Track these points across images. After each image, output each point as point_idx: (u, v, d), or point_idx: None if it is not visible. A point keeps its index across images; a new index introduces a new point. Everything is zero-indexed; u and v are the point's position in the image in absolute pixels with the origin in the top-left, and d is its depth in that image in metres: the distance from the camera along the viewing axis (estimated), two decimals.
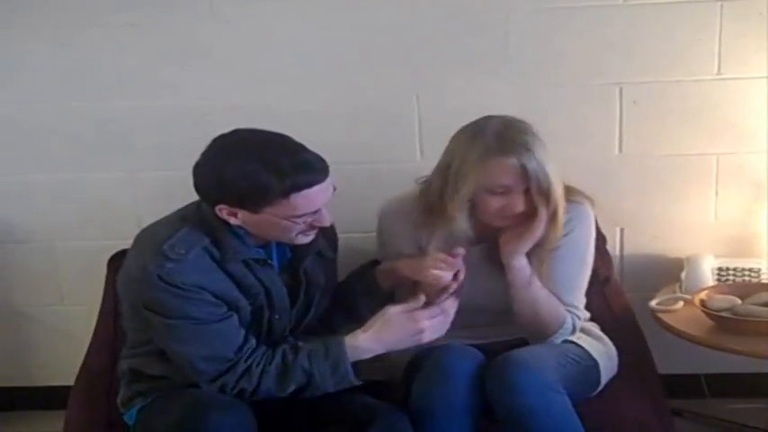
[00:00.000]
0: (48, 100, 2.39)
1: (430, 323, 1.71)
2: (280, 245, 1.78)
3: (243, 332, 1.71)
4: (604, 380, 1.93)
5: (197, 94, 2.34)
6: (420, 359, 1.83)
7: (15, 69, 2.38)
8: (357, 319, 1.81)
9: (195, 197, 1.72)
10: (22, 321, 2.63)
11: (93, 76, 2.36)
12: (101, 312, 2.23)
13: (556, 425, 1.69)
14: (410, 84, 2.32)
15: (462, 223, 1.81)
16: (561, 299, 1.88)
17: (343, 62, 2.32)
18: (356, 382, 1.71)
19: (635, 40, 2.25)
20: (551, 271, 1.87)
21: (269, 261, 1.74)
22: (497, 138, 1.75)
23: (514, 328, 1.91)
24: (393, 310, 1.72)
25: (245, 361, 1.69)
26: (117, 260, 2.20)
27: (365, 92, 2.33)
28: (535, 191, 1.76)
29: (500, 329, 1.93)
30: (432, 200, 1.86)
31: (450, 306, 1.75)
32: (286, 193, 1.60)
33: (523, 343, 1.89)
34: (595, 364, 1.90)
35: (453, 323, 1.76)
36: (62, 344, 2.57)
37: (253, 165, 1.59)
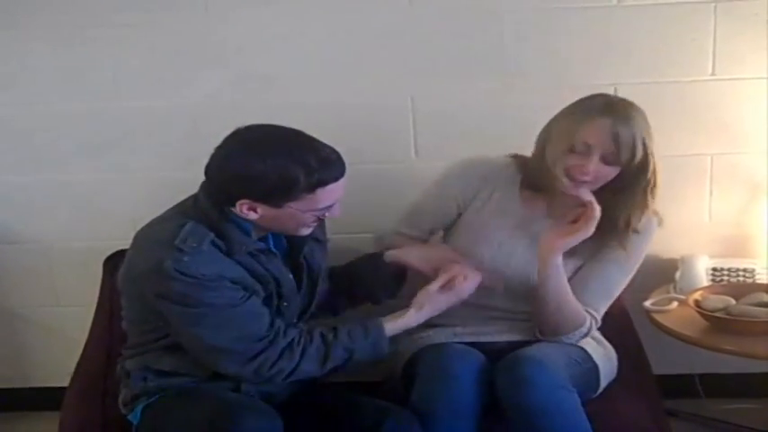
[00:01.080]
0: (47, 100, 2.38)
1: (469, 286, 1.81)
2: (275, 235, 1.78)
3: (268, 311, 1.71)
4: (603, 383, 1.93)
5: (197, 94, 2.34)
6: (419, 359, 1.85)
7: (16, 70, 2.37)
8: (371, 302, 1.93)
9: None
10: (17, 322, 2.62)
11: (93, 77, 2.35)
12: (96, 313, 2.22)
13: (566, 422, 1.69)
14: (405, 85, 2.32)
15: (561, 176, 1.78)
16: (592, 300, 1.88)
17: (340, 63, 2.32)
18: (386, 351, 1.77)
19: (629, 40, 2.26)
20: (602, 269, 1.88)
21: (272, 250, 1.74)
22: (605, 103, 1.79)
23: (519, 326, 1.93)
24: (433, 289, 1.80)
25: (284, 337, 1.69)
26: (113, 261, 2.20)
27: (361, 93, 2.33)
28: (625, 160, 1.76)
29: (505, 326, 1.94)
30: (530, 167, 1.89)
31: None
32: (313, 188, 1.62)
33: (527, 345, 1.88)
34: (595, 366, 1.91)
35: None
36: (57, 345, 2.56)
37: (281, 160, 1.60)
